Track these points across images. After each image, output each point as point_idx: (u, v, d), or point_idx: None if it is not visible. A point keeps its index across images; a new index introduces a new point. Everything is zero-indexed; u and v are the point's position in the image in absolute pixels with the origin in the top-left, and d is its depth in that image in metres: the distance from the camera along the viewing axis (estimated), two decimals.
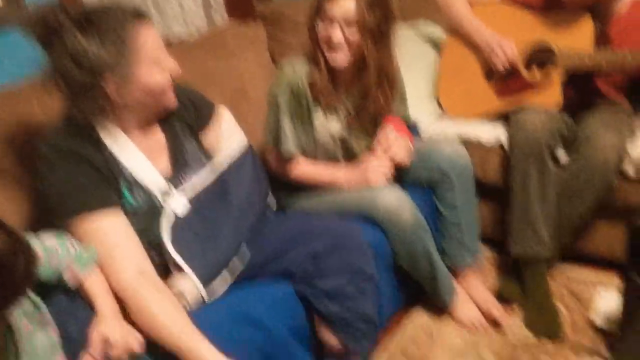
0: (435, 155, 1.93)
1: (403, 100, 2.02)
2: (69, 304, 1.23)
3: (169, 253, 1.40)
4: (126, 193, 1.40)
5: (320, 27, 1.73)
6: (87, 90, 1.31)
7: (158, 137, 1.51)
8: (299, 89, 1.77)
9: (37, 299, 1.18)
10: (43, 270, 1.20)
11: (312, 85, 1.78)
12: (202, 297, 1.42)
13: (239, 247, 1.55)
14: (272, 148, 1.84)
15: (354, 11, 1.66)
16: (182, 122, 1.56)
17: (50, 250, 1.23)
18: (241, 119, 1.86)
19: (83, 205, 1.32)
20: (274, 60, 2.39)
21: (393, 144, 1.85)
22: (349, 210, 1.79)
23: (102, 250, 1.30)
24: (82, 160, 1.34)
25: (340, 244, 1.53)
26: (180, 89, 1.54)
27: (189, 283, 1.40)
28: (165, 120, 1.53)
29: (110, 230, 1.33)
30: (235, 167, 1.62)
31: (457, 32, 2.24)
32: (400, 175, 1.92)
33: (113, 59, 1.29)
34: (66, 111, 1.38)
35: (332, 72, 1.80)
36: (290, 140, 1.78)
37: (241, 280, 1.55)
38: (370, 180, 1.80)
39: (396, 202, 1.75)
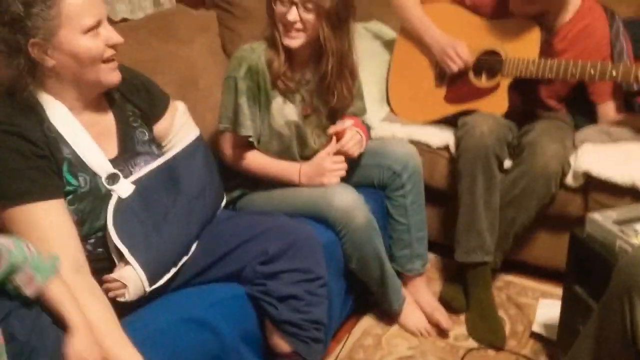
0: (387, 155, 1.92)
1: (361, 96, 2.00)
2: (12, 304, 1.12)
3: (112, 240, 1.34)
4: (67, 174, 1.33)
5: (278, 6, 1.68)
6: (14, 51, 1.27)
7: (108, 120, 1.46)
8: (257, 72, 1.72)
9: None
10: None
11: (270, 67, 1.73)
12: (144, 289, 1.36)
13: (189, 246, 1.49)
14: (227, 133, 1.77)
15: None
16: (134, 108, 1.52)
17: None
18: (190, 109, 1.80)
19: (18, 196, 1.25)
20: (224, 50, 2.30)
21: (350, 140, 1.82)
22: (302, 210, 1.76)
23: (37, 245, 1.20)
24: (23, 139, 1.27)
25: (292, 245, 1.49)
26: (135, 74, 1.52)
27: (132, 273, 1.34)
28: (117, 104, 1.48)
29: (46, 223, 1.26)
30: (185, 156, 1.57)
31: (407, 31, 2.24)
32: (352, 174, 1.90)
33: (34, 19, 1.25)
34: (7, 83, 1.31)
35: (290, 55, 1.76)
36: (249, 123, 1.72)
37: (190, 280, 1.50)
38: (325, 179, 1.77)
39: (351, 203, 1.74)
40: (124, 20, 2.28)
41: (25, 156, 1.27)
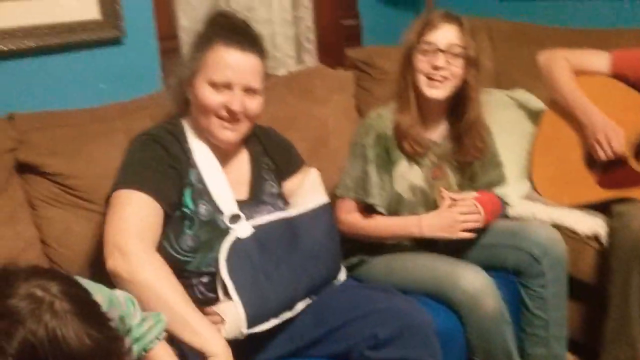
0: (526, 237, 1.73)
1: (497, 164, 1.86)
2: None
3: (220, 274, 1.34)
4: (188, 198, 1.40)
5: (419, 58, 1.64)
6: (178, 86, 1.47)
7: (243, 167, 1.54)
8: (386, 137, 1.68)
9: None
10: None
11: (398, 129, 1.68)
12: (242, 329, 1.32)
13: (294, 303, 1.44)
14: (346, 199, 1.71)
15: (458, 39, 1.64)
16: (270, 162, 1.59)
17: (114, 303, 1.08)
18: (319, 167, 1.77)
19: (133, 183, 1.34)
20: (358, 110, 2.26)
21: (465, 206, 1.66)
22: (423, 287, 1.62)
23: (113, 215, 1.31)
24: (162, 148, 1.40)
25: (404, 331, 1.36)
26: (279, 134, 1.66)
27: (232, 312, 1.32)
28: (256, 154, 1.57)
29: (136, 211, 1.31)
30: (310, 217, 1.56)
31: (558, 103, 2.06)
32: (482, 255, 1.73)
33: (190, 62, 1.43)
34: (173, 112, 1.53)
35: (423, 113, 1.70)
36: (376, 191, 1.67)
37: (296, 351, 1.43)
38: (455, 231, 1.63)
39: (479, 286, 1.57)
40: (268, 75, 2.33)
41: (157, 160, 1.39)
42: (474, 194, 1.73)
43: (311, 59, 2.61)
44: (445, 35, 1.64)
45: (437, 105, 1.70)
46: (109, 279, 1.49)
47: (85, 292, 0.85)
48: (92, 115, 1.65)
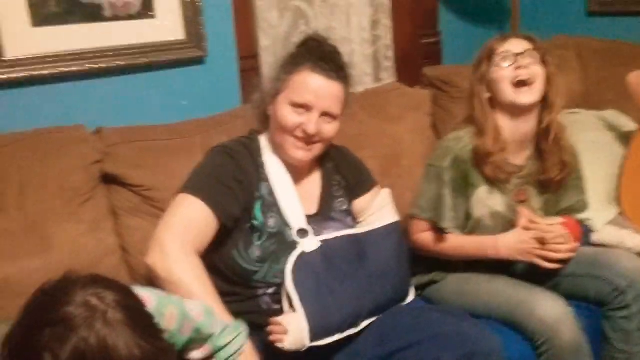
0: (610, 266, 1.63)
1: (582, 190, 1.78)
2: None
3: (285, 286, 1.36)
4: (258, 211, 1.43)
5: (498, 69, 1.63)
6: (261, 102, 1.52)
7: (314, 183, 1.56)
8: (464, 161, 1.64)
9: None
10: (173, 332, 1.08)
11: (478, 152, 1.63)
12: (304, 342, 1.32)
13: (359, 321, 1.42)
14: (421, 219, 1.68)
15: (531, 45, 1.63)
16: (342, 179, 1.60)
17: (188, 316, 1.11)
18: (390, 185, 1.76)
19: (194, 189, 1.39)
20: (434, 129, 2.23)
21: (556, 235, 1.58)
22: (496, 312, 1.57)
23: (168, 215, 1.36)
24: (233, 160, 1.44)
25: (471, 357, 1.31)
26: (351, 154, 1.69)
27: (296, 323, 1.33)
28: (328, 171, 1.59)
29: (192, 216, 1.36)
30: (378, 236, 1.55)
31: None
32: (562, 283, 1.65)
33: (275, 81, 1.48)
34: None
35: (508, 132, 1.65)
36: (451, 215, 1.64)
37: None
38: (530, 254, 1.58)
39: (557, 316, 1.50)
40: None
41: (225, 172, 1.42)
42: (559, 219, 1.65)
43: (389, 78, 2.61)
44: (518, 43, 1.63)
45: (526, 121, 1.64)
46: None
47: (139, 303, 0.88)
48: (173, 130, 1.73)
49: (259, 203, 1.44)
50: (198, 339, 1.14)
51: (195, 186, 1.39)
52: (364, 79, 2.52)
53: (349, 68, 1.52)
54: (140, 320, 0.85)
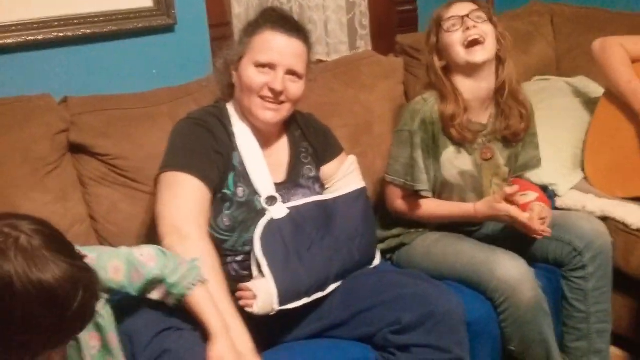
0: (569, 229, 1.67)
1: (536, 146, 1.81)
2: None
3: (254, 252, 1.39)
4: (230, 181, 1.44)
5: (447, 35, 1.65)
6: (225, 68, 1.54)
7: (282, 151, 1.57)
8: (432, 122, 1.66)
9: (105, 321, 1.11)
10: (122, 283, 1.14)
11: (443, 118, 1.65)
12: (273, 307, 1.36)
13: (326, 284, 1.46)
14: (398, 185, 1.70)
15: (473, 4, 1.65)
16: (310, 146, 1.61)
17: (134, 263, 1.15)
18: (361, 153, 1.77)
19: (182, 165, 1.39)
20: (407, 97, 2.24)
21: (540, 217, 1.61)
22: (460, 274, 1.61)
23: (168, 195, 1.36)
24: (208, 132, 1.45)
25: (429, 317, 1.35)
26: (318, 121, 1.70)
27: (265, 288, 1.36)
28: (295, 139, 1.60)
29: (184, 192, 1.37)
30: (345, 201, 1.58)
31: (613, 92, 1.96)
32: (523, 245, 1.69)
33: (238, 46, 1.50)
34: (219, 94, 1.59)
35: (467, 94, 1.67)
36: (424, 177, 1.66)
37: (322, 331, 1.45)
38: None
39: (517, 275, 1.53)
40: (320, 61, 2.35)
41: (203, 144, 1.43)
42: (535, 194, 1.69)
43: (365, 46, 2.61)
44: (462, 6, 1.65)
45: (484, 80, 1.66)
46: None
47: (56, 231, 0.91)
48: (140, 99, 1.73)
49: (232, 173, 1.45)
50: (153, 281, 1.17)
51: (182, 162, 1.40)
52: (339, 47, 2.52)
53: (308, 31, 1.54)
54: (57, 243, 0.88)
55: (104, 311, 1.10)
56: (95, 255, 1.08)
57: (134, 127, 1.67)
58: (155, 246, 1.23)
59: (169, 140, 1.47)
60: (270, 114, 1.47)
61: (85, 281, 0.88)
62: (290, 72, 1.46)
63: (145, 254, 1.18)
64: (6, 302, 0.81)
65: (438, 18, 1.68)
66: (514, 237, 1.68)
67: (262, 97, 1.45)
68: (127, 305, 1.19)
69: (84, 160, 1.62)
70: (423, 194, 1.67)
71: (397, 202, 1.73)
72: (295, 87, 1.48)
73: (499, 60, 1.67)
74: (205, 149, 1.43)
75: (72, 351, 1.06)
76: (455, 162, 1.69)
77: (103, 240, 1.62)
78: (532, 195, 1.69)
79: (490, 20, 1.65)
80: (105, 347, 1.11)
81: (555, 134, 2.04)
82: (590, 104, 2.14)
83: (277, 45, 1.45)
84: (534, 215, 1.59)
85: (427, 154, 1.67)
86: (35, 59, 1.70)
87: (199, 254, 1.28)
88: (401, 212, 1.73)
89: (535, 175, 1.91)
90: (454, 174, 1.69)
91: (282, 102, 1.47)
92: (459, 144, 1.69)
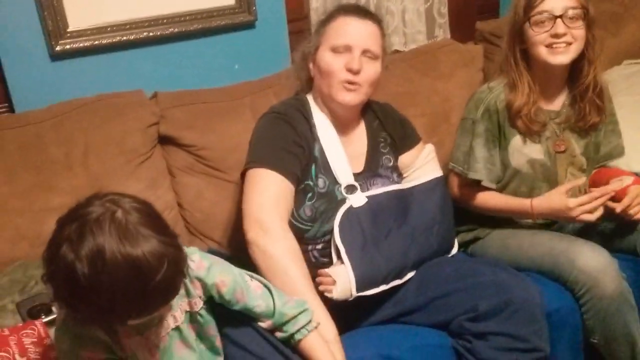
0: None
1: (618, 134, 1.74)
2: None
3: (334, 240, 1.42)
4: (312, 172, 1.48)
5: (535, 31, 1.56)
6: (303, 61, 1.57)
7: (361, 141, 1.60)
8: (497, 111, 1.64)
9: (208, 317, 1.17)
10: (225, 297, 1.17)
11: (509, 108, 1.62)
12: (351, 293, 1.38)
13: (403, 272, 1.47)
14: (457, 173, 1.70)
15: (573, 0, 1.54)
16: (388, 136, 1.63)
17: (240, 284, 1.17)
18: (439, 142, 1.78)
19: (266, 162, 1.42)
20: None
21: (636, 200, 1.55)
22: (539, 265, 1.57)
23: (252, 192, 1.39)
24: (290, 126, 1.48)
25: (507, 305, 1.33)
26: (396, 111, 1.70)
27: (344, 274, 1.39)
28: (373, 129, 1.62)
29: (268, 188, 1.40)
30: (423, 190, 1.59)
31: None
32: (607, 235, 1.63)
33: (314, 37, 1.54)
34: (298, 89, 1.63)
35: (542, 82, 1.62)
36: (479, 166, 1.64)
37: (398, 316, 1.46)
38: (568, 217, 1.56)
39: (599, 265, 1.48)
40: (397, 52, 2.36)
41: (286, 138, 1.46)
42: (631, 178, 1.61)
43: (443, 35, 2.58)
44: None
45: (560, 73, 1.62)
46: (234, 241, 1.65)
47: (154, 211, 0.99)
48: (223, 93, 1.82)
49: (314, 164, 1.49)
50: (260, 315, 1.20)
51: (267, 160, 1.42)
52: (417, 36, 2.51)
53: (381, 15, 1.59)
54: (151, 221, 0.95)
55: (203, 312, 1.17)
56: (207, 264, 1.14)
57: (217, 120, 1.75)
58: (264, 280, 1.25)
59: (252, 135, 1.51)
60: (350, 96, 1.48)
61: (171, 258, 0.94)
62: (367, 52, 1.48)
63: (255, 281, 1.22)
64: (97, 268, 0.89)
65: (528, 6, 1.58)
66: (596, 230, 1.63)
67: (342, 81, 1.47)
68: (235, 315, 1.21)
69: (172, 151, 1.73)
70: (484, 184, 1.65)
71: (456, 190, 1.73)
72: (372, 68, 1.49)
73: (587, 60, 1.60)
74: (287, 143, 1.46)
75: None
76: (524, 150, 1.66)
77: (190, 226, 1.72)
78: (628, 179, 1.61)
79: (585, 17, 1.56)
80: (200, 336, 1.18)
81: (633, 118, 1.94)
82: None
83: (351, 28, 1.49)
84: (629, 199, 1.52)
85: (493, 143, 1.64)
86: (127, 57, 1.82)
87: (283, 243, 1.33)
88: (459, 201, 1.72)
89: (625, 163, 1.82)
90: (523, 162, 1.66)
91: (359, 84, 1.48)
92: (527, 133, 1.64)
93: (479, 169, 1.64)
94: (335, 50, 1.48)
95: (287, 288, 1.27)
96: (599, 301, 1.48)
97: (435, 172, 1.64)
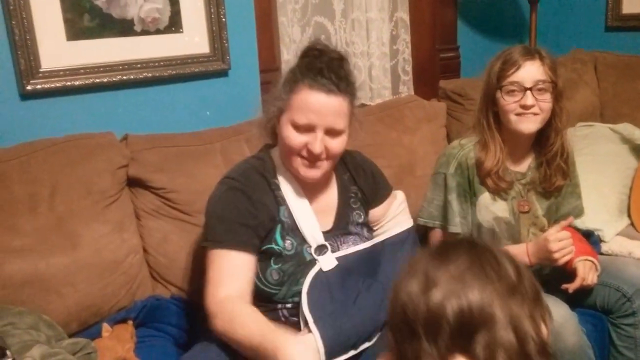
0: (617, 275, 1.68)
1: (578, 195, 1.81)
2: None
3: (302, 308, 1.39)
4: (278, 236, 1.44)
5: (506, 100, 1.61)
6: (269, 121, 1.49)
7: (331, 197, 1.56)
8: (468, 167, 1.69)
9: None
10: None
11: (479, 166, 1.67)
12: None
13: (372, 333, 1.44)
14: (436, 229, 1.73)
15: (543, 74, 1.60)
16: (358, 190, 1.60)
17: None
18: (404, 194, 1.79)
19: (219, 242, 1.41)
20: (449, 140, 2.28)
21: (588, 271, 1.63)
22: None
23: (214, 273, 1.39)
24: (245, 196, 1.43)
25: None
26: (366, 160, 1.66)
27: (312, 342, 1.34)
28: (344, 183, 1.58)
29: (227, 267, 1.39)
30: (393, 243, 1.58)
31: None
32: (570, 293, 1.67)
33: (279, 97, 1.44)
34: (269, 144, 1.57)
35: (510, 145, 1.68)
36: (457, 220, 1.68)
37: None
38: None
39: (560, 319, 1.52)
40: (362, 105, 2.43)
41: (240, 212, 1.42)
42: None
43: (408, 91, 2.68)
44: (530, 72, 1.59)
45: (527, 138, 1.68)
46: (197, 287, 1.62)
47: None
48: (194, 137, 1.82)
49: (279, 227, 1.45)
50: None
51: (217, 238, 1.41)
52: (382, 92, 2.59)
53: (352, 77, 1.46)
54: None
55: None
56: None
57: (188, 163, 1.75)
58: None
59: (206, 208, 1.47)
60: (312, 172, 1.44)
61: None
62: (330, 131, 1.42)
63: None
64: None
65: (501, 75, 1.62)
66: (558, 282, 1.67)
67: (302, 157, 1.43)
68: None
69: (140, 193, 1.71)
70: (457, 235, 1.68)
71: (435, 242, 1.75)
72: (336, 144, 1.43)
73: (553, 129, 1.66)
74: (239, 216, 1.42)
75: None
76: (492, 207, 1.70)
77: (153, 271, 1.69)
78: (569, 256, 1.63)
79: (554, 90, 1.61)
80: None
81: (600, 179, 2.04)
82: (635, 150, 2.14)
83: (315, 106, 1.39)
84: (580, 279, 1.61)
85: (464, 197, 1.69)
86: (99, 99, 1.82)
87: (244, 320, 1.31)
88: None
89: (580, 222, 1.90)
90: (489, 219, 1.70)
91: (322, 160, 1.44)
92: (495, 192, 1.70)
93: (457, 223, 1.67)
94: (296, 127, 1.41)
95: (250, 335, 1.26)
96: (560, 356, 1.50)
97: (407, 222, 1.64)
